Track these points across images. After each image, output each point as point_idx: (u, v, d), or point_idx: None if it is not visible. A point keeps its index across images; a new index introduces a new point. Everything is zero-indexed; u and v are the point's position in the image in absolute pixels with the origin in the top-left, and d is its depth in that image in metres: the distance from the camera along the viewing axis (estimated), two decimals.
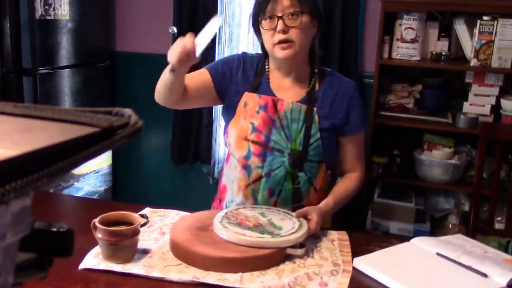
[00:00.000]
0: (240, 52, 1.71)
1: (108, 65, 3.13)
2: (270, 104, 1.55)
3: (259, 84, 1.60)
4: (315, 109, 1.55)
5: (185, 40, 1.36)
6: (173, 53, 1.37)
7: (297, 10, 1.48)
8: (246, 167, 1.58)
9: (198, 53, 1.37)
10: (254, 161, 1.56)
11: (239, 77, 1.61)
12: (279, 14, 1.48)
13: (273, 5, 1.48)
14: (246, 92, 1.58)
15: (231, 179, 1.63)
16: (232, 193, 1.63)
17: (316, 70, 1.62)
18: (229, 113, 1.61)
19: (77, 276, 1.17)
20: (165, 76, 1.48)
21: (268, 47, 1.53)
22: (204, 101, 1.67)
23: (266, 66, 1.62)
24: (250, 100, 1.57)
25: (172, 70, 1.40)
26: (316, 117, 1.54)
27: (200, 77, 1.61)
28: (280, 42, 1.48)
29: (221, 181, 1.73)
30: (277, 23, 1.48)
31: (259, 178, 1.57)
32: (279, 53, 1.50)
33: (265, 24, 1.51)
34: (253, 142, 1.55)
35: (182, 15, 2.96)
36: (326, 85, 1.60)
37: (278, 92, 1.59)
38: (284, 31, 1.48)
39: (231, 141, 1.58)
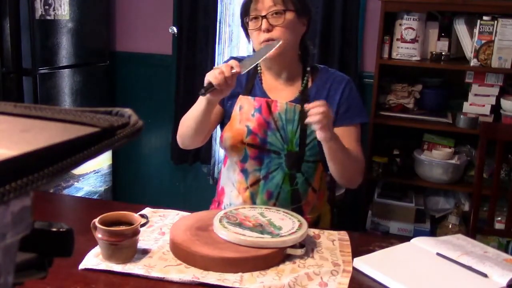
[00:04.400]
0: (232, 55, 1.71)
1: (108, 65, 3.13)
2: (264, 106, 1.55)
3: (253, 87, 1.60)
4: None
5: (230, 62, 1.37)
6: (215, 73, 1.35)
7: (280, 9, 1.48)
8: (243, 171, 1.57)
9: (243, 71, 1.39)
10: (251, 164, 1.55)
11: None
12: (263, 14, 1.48)
13: (256, 5, 1.49)
14: (240, 96, 1.57)
15: (230, 182, 1.62)
16: (230, 196, 1.62)
17: (308, 68, 1.61)
18: (224, 118, 1.61)
19: (77, 276, 1.17)
20: (194, 111, 1.48)
21: (255, 46, 1.54)
22: (218, 122, 1.64)
23: (259, 68, 1.62)
24: (245, 103, 1.56)
25: (205, 93, 1.36)
26: None
27: None
28: (264, 41, 1.48)
29: (219, 183, 1.72)
30: (261, 23, 1.48)
31: (257, 181, 1.56)
32: None
33: (251, 24, 1.51)
34: (249, 145, 1.54)
35: (182, 15, 2.96)
36: (318, 82, 1.59)
37: (272, 93, 1.58)
38: (268, 30, 1.48)
39: (227, 146, 1.57)
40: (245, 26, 1.57)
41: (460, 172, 2.56)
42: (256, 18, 1.50)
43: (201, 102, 1.45)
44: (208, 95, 1.37)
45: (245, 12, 1.53)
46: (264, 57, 1.45)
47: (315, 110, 1.33)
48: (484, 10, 2.41)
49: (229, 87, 1.37)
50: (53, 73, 2.68)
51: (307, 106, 1.37)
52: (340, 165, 1.49)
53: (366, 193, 2.65)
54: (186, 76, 2.99)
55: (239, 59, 1.63)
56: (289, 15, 1.49)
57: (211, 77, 1.35)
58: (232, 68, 1.35)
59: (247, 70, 1.41)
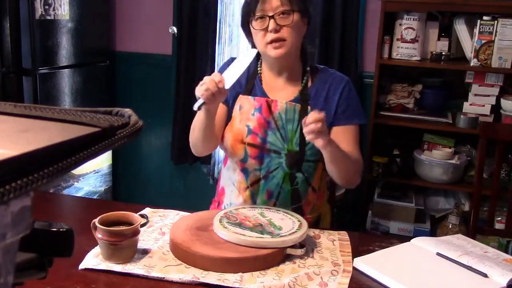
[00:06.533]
0: (233, 55, 1.70)
1: (108, 65, 3.13)
2: (264, 106, 1.54)
3: (252, 87, 1.59)
4: (309, 108, 1.54)
5: (214, 76, 1.37)
6: (201, 89, 1.36)
7: (288, 9, 1.47)
8: (243, 170, 1.57)
9: (227, 86, 1.38)
10: (252, 163, 1.55)
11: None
12: (270, 14, 1.46)
13: (263, 4, 1.47)
14: (241, 95, 1.57)
15: (231, 182, 1.62)
16: (230, 195, 1.62)
17: (308, 68, 1.61)
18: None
19: (77, 276, 1.17)
20: (197, 121, 1.50)
21: (260, 47, 1.52)
22: (226, 121, 1.62)
23: (259, 68, 1.62)
24: (245, 103, 1.56)
25: (199, 108, 1.38)
26: None
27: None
28: (272, 41, 1.47)
29: (219, 183, 1.72)
30: (268, 23, 1.47)
31: (257, 181, 1.56)
32: (272, 52, 1.49)
33: (256, 24, 1.49)
34: (249, 144, 1.54)
35: (182, 15, 2.96)
36: (318, 82, 1.59)
37: (271, 93, 1.58)
38: (276, 30, 1.46)
39: (227, 145, 1.57)
40: (245, 26, 1.56)
41: (460, 172, 2.57)
42: (262, 18, 1.48)
43: (200, 112, 1.46)
44: (203, 107, 1.39)
45: (249, 12, 1.50)
46: (246, 66, 1.44)
47: (310, 128, 1.32)
48: (484, 10, 2.41)
49: (221, 96, 1.38)
50: (53, 73, 2.68)
51: (304, 120, 1.35)
52: (339, 167, 1.49)
53: (366, 193, 2.65)
54: (186, 76, 2.99)
55: (221, 69, 1.58)
56: (296, 16, 1.48)
57: (199, 93, 1.36)
58: (217, 82, 1.35)
59: (231, 84, 1.41)
